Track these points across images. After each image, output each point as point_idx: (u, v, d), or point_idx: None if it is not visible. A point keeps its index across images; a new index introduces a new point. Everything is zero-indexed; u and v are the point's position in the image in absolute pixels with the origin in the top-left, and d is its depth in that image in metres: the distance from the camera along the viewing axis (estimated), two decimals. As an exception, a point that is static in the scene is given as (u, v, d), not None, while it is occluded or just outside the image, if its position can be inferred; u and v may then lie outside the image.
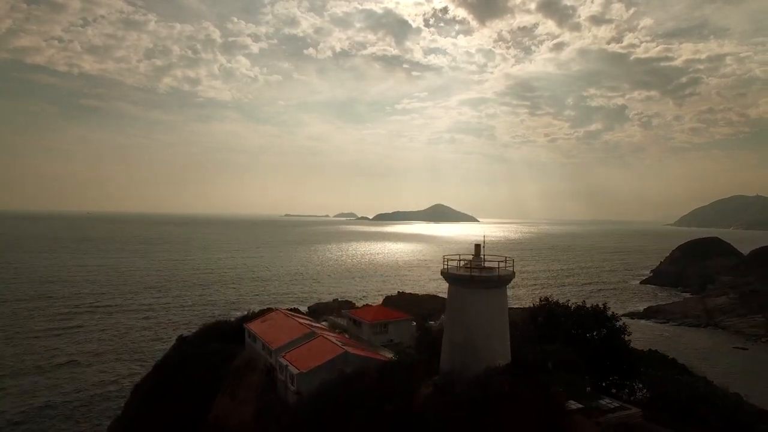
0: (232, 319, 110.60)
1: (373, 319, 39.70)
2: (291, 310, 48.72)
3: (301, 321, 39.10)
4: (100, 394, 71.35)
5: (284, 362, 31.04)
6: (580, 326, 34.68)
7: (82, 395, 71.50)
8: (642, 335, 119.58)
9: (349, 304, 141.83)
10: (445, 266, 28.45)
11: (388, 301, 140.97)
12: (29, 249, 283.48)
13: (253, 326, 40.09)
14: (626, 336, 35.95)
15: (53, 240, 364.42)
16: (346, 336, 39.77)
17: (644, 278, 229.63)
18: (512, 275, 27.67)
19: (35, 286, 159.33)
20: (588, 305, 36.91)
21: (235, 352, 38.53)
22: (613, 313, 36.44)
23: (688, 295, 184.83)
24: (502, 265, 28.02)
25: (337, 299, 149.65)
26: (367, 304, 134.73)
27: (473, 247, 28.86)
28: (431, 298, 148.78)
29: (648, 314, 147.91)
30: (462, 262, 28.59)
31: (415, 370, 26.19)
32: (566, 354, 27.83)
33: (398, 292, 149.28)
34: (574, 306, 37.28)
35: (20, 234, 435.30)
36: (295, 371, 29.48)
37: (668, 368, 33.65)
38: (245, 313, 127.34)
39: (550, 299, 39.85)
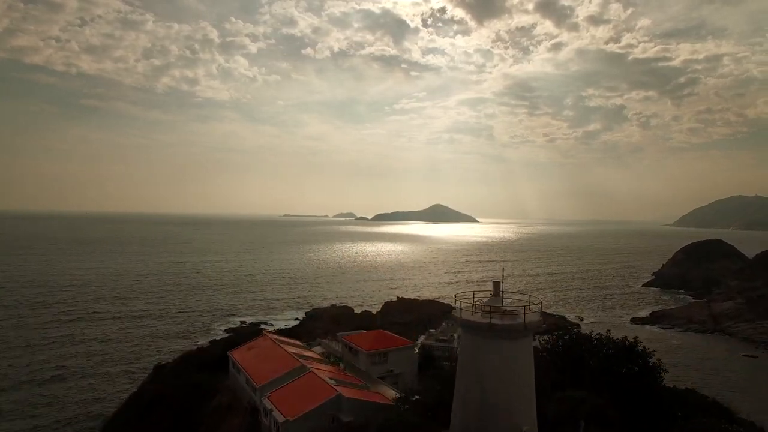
0: (219, 338, 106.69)
1: (371, 348, 35.61)
2: (279, 332, 44.40)
3: (291, 350, 35.07)
4: (85, 414, 67.32)
5: (269, 405, 27.19)
6: (608, 362, 30.34)
7: (66, 414, 67.56)
8: (650, 344, 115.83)
9: (347, 310, 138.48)
10: (457, 308, 23.24)
11: (388, 306, 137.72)
12: (25, 251, 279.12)
13: (238, 355, 36.12)
14: (662, 373, 31.69)
15: (51, 241, 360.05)
16: (341, 366, 35.89)
17: (647, 281, 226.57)
18: (541, 322, 22.48)
19: (28, 291, 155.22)
20: (615, 336, 32.69)
21: (217, 385, 34.56)
22: (644, 347, 32.30)
23: (692, 298, 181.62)
24: (527, 307, 22.40)
25: (335, 305, 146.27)
26: (365, 314, 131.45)
27: (491, 284, 23.41)
28: (431, 303, 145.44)
29: (654, 319, 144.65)
30: (477, 302, 23.28)
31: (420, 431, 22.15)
32: (598, 404, 23.86)
33: (398, 297, 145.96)
34: (597, 337, 33.05)
35: (20, 234, 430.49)
36: (280, 418, 25.63)
37: (708, 413, 29.71)
38: (236, 324, 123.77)
39: (569, 328, 35.23)
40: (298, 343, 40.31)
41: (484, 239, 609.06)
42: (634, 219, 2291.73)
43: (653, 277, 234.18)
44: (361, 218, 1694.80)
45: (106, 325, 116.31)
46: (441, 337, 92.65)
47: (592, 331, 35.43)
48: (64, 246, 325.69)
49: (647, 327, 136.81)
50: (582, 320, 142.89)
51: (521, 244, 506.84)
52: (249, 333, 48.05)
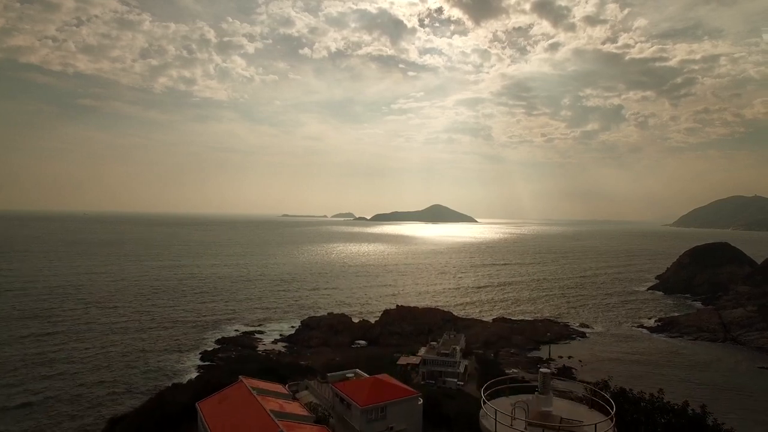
0: (210, 349, 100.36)
1: (367, 403, 30.19)
2: (261, 376, 38.43)
3: (270, 406, 29.37)
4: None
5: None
6: None
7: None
8: (662, 356, 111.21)
9: (345, 318, 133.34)
10: (486, 413, 15.08)
11: (387, 315, 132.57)
12: (20, 254, 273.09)
13: (207, 410, 30.39)
14: None
15: (46, 243, 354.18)
16: (330, 422, 30.36)
17: (651, 285, 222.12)
18: None
19: (20, 298, 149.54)
20: (673, 401, 26.55)
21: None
22: (715, 419, 26.25)
23: (699, 304, 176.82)
24: (598, 419, 14.59)
25: (332, 312, 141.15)
26: (364, 323, 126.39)
27: (539, 374, 15.48)
28: (431, 312, 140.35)
29: (662, 327, 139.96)
30: (517, 404, 15.04)
31: None
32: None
33: (397, 305, 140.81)
34: (648, 399, 27.05)
35: (16, 235, 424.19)
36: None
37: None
38: (229, 334, 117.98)
39: (609, 383, 28.86)
40: (281, 389, 34.68)
41: (484, 241, 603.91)
42: (633, 219, 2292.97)
43: (657, 280, 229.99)
44: (360, 218, 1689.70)
45: (94, 337, 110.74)
46: (443, 351, 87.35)
47: (642, 392, 29.18)
48: (60, 248, 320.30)
49: (654, 335, 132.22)
50: (588, 328, 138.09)
51: (522, 246, 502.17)
52: (225, 374, 41.81)
